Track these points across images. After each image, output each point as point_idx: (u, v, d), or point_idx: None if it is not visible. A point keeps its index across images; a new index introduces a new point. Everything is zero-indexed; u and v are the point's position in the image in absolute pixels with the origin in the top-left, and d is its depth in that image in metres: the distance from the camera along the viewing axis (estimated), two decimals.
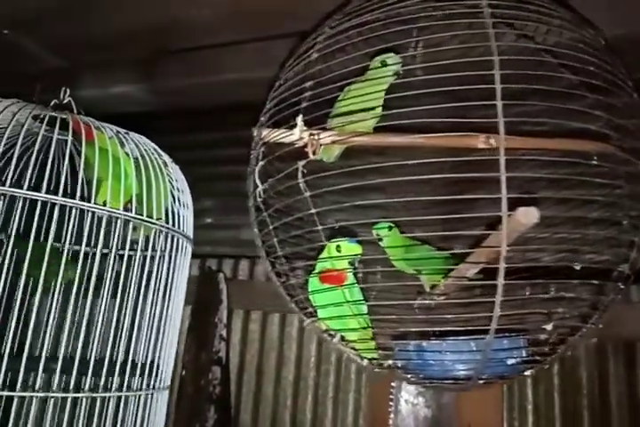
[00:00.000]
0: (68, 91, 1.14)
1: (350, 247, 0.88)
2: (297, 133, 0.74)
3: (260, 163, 0.79)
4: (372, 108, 0.80)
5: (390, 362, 0.81)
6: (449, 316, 0.69)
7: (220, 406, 1.60)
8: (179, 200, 1.08)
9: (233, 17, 1.36)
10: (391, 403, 1.38)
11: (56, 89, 1.38)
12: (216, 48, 1.49)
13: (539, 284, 0.73)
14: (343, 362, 1.58)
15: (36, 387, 0.82)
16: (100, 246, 0.89)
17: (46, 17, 1.39)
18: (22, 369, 0.80)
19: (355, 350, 0.83)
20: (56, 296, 1.03)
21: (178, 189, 1.08)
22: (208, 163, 1.80)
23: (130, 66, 1.61)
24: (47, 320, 1.03)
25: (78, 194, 0.89)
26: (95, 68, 1.62)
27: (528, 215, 0.64)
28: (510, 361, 0.76)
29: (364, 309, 0.83)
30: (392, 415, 1.38)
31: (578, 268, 0.78)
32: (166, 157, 1.08)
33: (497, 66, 0.61)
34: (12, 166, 0.83)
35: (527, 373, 0.78)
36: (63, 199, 0.84)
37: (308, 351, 1.63)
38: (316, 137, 0.72)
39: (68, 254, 1.11)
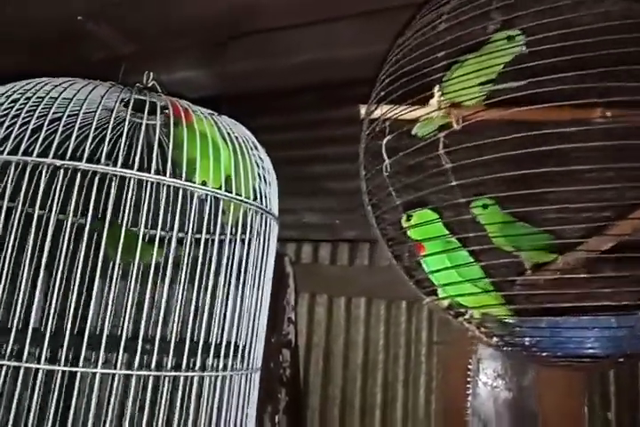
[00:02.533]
0: (152, 74, 1.13)
1: (422, 215, 0.85)
2: (434, 104, 0.72)
3: (388, 137, 0.77)
4: (487, 82, 0.78)
5: (526, 340, 0.79)
6: (601, 291, 0.67)
7: (291, 389, 1.61)
8: (266, 181, 1.07)
9: None
10: (469, 386, 1.37)
11: (129, 74, 1.38)
12: (284, 30, 1.47)
13: None
14: (413, 345, 1.57)
15: (152, 367, 0.82)
16: (206, 229, 0.89)
17: (118, 3, 1.38)
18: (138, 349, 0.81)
19: (484, 327, 0.82)
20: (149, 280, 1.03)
21: (265, 170, 1.08)
22: (271, 146, 1.79)
23: (197, 51, 1.60)
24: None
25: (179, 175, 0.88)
26: (163, 54, 1.61)
27: None
28: None
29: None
30: (470, 398, 1.37)
31: None
32: (254, 139, 1.08)
33: None
34: (121, 149, 0.83)
35: None
36: (171, 180, 0.83)
37: (376, 334, 1.63)
38: (455, 108, 0.70)
39: (162, 239, 1.12)
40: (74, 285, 0.84)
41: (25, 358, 0.78)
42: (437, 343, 1.50)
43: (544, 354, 0.78)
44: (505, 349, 0.81)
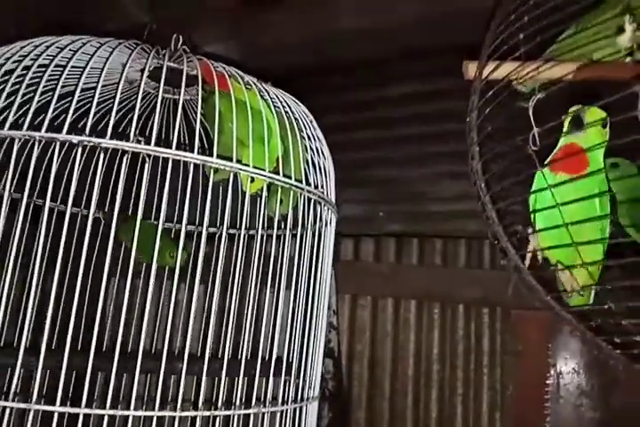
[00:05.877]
0: (181, 38, 0.95)
1: (594, 112, 0.63)
2: (627, 39, 0.52)
3: (538, 95, 0.56)
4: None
5: None
6: None
7: (335, 404, 1.43)
8: (324, 166, 0.88)
9: None
10: (547, 404, 1.18)
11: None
12: None
13: None
14: (473, 354, 1.38)
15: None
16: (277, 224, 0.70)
17: None
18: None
19: None
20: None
21: (324, 156, 0.88)
22: None
23: (220, 20, 1.40)
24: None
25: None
26: (182, 25, 1.41)
27: None
28: None
29: None
30: (548, 419, 1.18)
31: None
32: (310, 115, 0.88)
33: None
34: (155, 127, 0.64)
35: None
36: (219, 161, 0.64)
37: (430, 341, 1.44)
38: None
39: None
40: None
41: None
42: (506, 354, 1.31)
43: None
44: None
